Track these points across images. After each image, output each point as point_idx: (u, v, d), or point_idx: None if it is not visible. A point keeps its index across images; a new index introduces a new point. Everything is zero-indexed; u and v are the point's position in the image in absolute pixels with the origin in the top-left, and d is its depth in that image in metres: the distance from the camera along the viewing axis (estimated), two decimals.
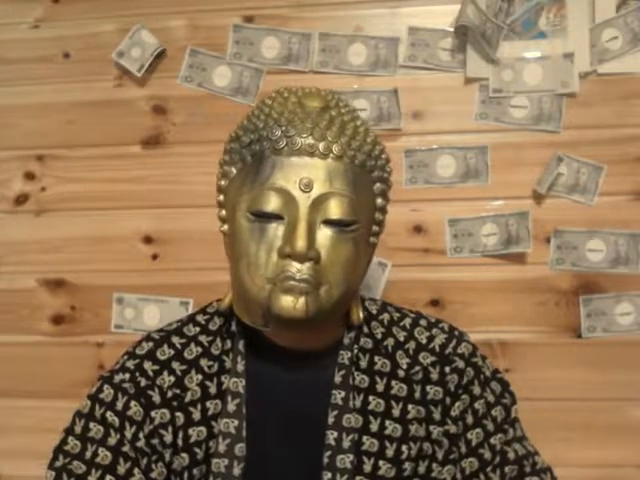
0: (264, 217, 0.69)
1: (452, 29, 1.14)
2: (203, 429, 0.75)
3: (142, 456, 0.73)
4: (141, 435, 0.74)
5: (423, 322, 0.83)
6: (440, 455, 0.77)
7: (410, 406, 0.77)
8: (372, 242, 0.77)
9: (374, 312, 0.83)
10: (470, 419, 0.78)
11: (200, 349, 0.79)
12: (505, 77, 1.14)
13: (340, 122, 0.72)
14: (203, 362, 0.78)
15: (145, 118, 1.20)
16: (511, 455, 0.77)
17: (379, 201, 0.76)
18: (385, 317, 0.83)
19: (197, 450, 0.75)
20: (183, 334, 0.81)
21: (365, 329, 0.80)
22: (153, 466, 0.74)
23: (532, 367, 1.13)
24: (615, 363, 1.12)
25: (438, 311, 1.14)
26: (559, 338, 1.13)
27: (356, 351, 0.79)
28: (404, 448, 0.75)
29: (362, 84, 1.16)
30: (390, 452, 0.75)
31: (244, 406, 0.76)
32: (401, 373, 0.78)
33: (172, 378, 0.77)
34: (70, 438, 0.74)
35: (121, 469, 0.72)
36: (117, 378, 0.77)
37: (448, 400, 0.78)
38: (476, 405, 0.78)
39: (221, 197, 0.76)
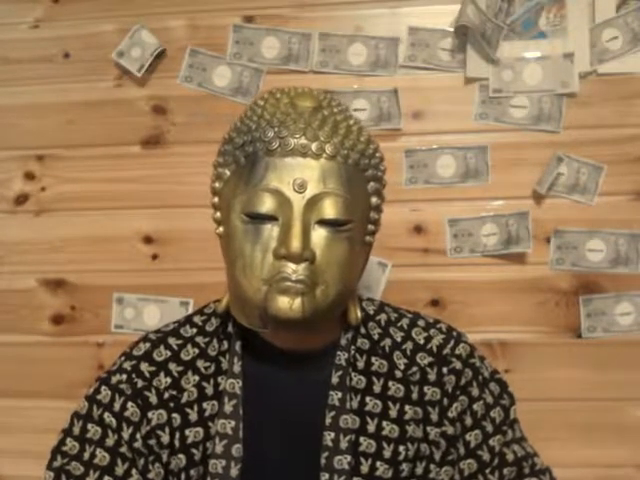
0: (259, 218, 0.69)
1: (452, 29, 1.14)
2: (200, 430, 0.75)
3: (139, 457, 0.73)
4: (138, 436, 0.74)
5: (421, 322, 0.82)
6: (438, 456, 0.77)
7: (407, 407, 0.76)
8: (368, 241, 0.76)
9: (371, 312, 0.83)
10: (469, 420, 0.77)
11: (197, 350, 0.79)
12: (505, 77, 1.14)
13: (333, 121, 0.72)
14: (200, 363, 0.78)
15: (145, 118, 1.19)
16: (510, 457, 0.76)
17: (374, 200, 0.75)
18: (382, 317, 0.82)
19: (194, 451, 0.75)
20: (180, 335, 0.80)
21: (362, 330, 0.80)
22: (150, 467, 0.74)
23: (532, 367, 1.13)
24: (615, 363, 1.12)
25: (438, 311, 1.14)
26: (559, 338, 1.13)
27: (353, 352, 0.78)
28: (401, 449, 0.75)
29: (362, 84, 1.16)
30: (387, 453, 0.75)
31: (241, 407, 0.75)
32: (398, 374, 0.78)
33: (169, 379, 0.77)
34: (68, 439, 0.75)
35: (119, 470, 0.72)
36: (114, 379, 0.77)
37: (445, 401, 0.77)
38: (475, 406, 0.78)
39: (215, 199, 0.75)
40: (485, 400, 0.78)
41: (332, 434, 0.74)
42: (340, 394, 0.76)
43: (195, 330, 0.81)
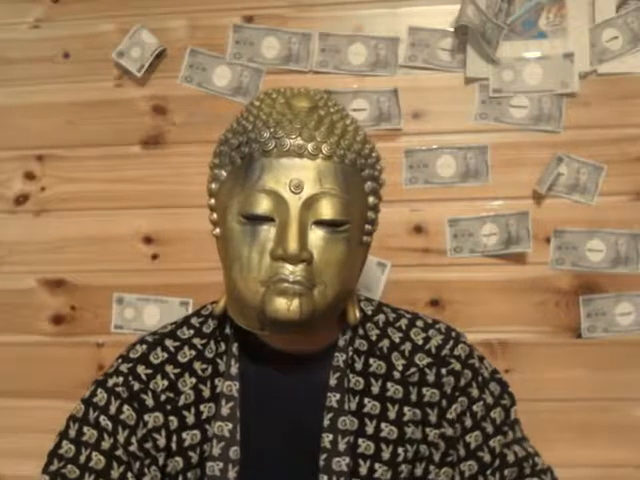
0: (255, 220, 0.68)
1: (452, 29, 1.14)
2: (197, 432, 0.74)
3: (135, 460, 0.73)
4: (134, 439, 0.73)
5: (419, 323, 0.81)
6: (437, 457, 0.76)
7: (406, 408, 0.76)
8: (365, 241, 0.75)
9: (369, 313, 0.82)
10: (469, 422, 0.76)
11: (194, 352, 0.78)
12: (505, 77, 1.13)
13: (329, 122, 0.71)
14: (197, 365, 0.77)
15: (145, 118, 1.19)
16: (511, 457, 0.75)
17: (371, 200, 0.74)
18: (380, 318, 0.81)
19: (191, 454, 0.74)
20: (177, 337, 0.80)
21: (360, 330, 0.79)
22: (146, 470, 0.73)
23: (532, 367, 1.12)
24: (615, 363, 1.11)
25: (438, 311, 1.13)
26: (559, 338, 1.12)
27: (351, 353, 0.77)
28: (400, 450, 0.74)
29: (362, 84, 1.15)
30: (386, 455, 0.74)
31: (238, 409, 0.75)
32: (397, 375, 0.77)
33: (165, 382, 0.76)
34: (64, 442, 0.74)
35: (114, 473, 0.71)
36: (110, 382, 0.76)
37: (444, 402, 0.76)
38: (474, 408, 0.77)
39: (212, 201, 0.75)
40: (485, 401, 0.77)
41: (330, 436, 0.74)
42: (338, 396, 0.75)
43: (192, 332, 0.80)
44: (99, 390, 0.76)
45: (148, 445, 0.74)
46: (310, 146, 0.68)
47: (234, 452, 0.73)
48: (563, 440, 1.11)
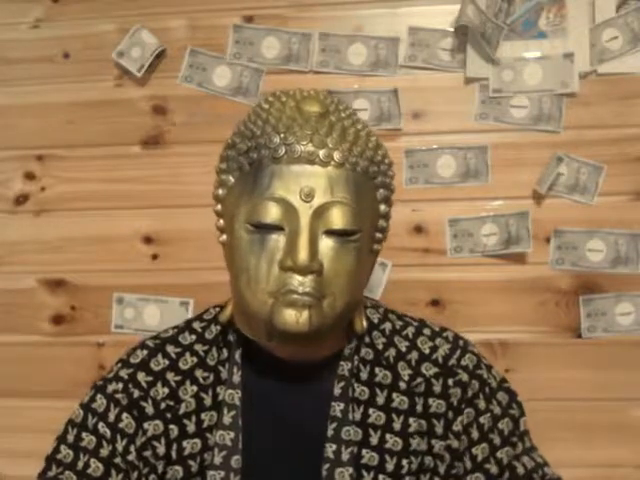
0: (264, 228, 0.65)
1: (452, 29, 1.12)
2: (197, 441, 0.73)
3: (133, 469, 0.71)
4: (132, 448, 0.71)
5: (426, 331, 0.79)
6: (442, 469, 0.74)
7: (411, 419, 0.73)
8: (375, 249, 0.73)
9: (375, 321, 0.79)
10: (475, 434, 0.74)
11: (195, 359, 0.76)
12: (505, 77, 1.12)
13: (341, 128, 0.68)
14: (198, 373, 0.75)
15: (145, 118, 1.18)
16: (520, 470, 0.72)
17: (382, 208, 0.72)
18: (387, 326, 0.79)
19: (191, 462, 0.72)
20: (178, 343, 0.77)
21: (366, 339, 0.77)
22: (144, 479, 0.71)
23: (532, 367, 1.11)
24: (615, 363, 1.10)
25: (438, 311, 1.12)
26: (559, 338, 1.11)
27: (356, 362, 0.75)
28: (405, 462, 0.72)
29: (362, 84, 1.14)
30: (390, 466, 0.72)
31: (240, 418, 0.73)
32: (402, 385, 0.74)
33: (166, 390, 0.74)
34: (62, 447, 0.72)
35: None
36: (110, 388, 0.74)
37: (451, 414, 0.74)
38: (481, 419, 0.74)
39: (219, 207, 0.71)
40: (492, 412, 0.75)
41: (334, 446, 0.71)
42: (342, 405, 0.73)
43: (194, 337, 0.78)
44: (98, 396, 0.74)
45: (147, 453, 0.72)
46: (322, 153, 0.66)
47: (236, 461, 0.71)
48: (563, 440, 1.10)
